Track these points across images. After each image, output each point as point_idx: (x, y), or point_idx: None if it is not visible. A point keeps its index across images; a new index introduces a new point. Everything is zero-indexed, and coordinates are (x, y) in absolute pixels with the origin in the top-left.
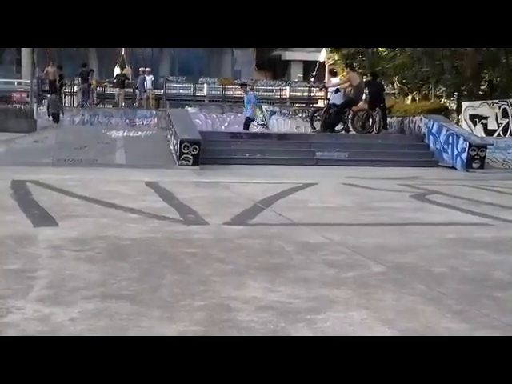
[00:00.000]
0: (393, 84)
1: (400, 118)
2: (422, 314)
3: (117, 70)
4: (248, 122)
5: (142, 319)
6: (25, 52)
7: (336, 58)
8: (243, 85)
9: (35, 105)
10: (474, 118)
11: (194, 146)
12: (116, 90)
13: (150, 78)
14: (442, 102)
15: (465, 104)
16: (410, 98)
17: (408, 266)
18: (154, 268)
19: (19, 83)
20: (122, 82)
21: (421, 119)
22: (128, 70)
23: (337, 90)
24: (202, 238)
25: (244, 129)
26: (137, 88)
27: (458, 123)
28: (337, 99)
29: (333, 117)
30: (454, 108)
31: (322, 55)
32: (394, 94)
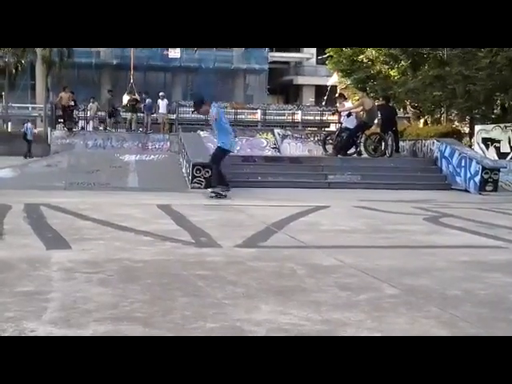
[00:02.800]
0: (405, 108)
1: (412, 142)
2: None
3: (125, 98)
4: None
5: None
6: (39, 77)
7: (348, 82)
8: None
9: (49, 129)
10: (487, 142)
11: (206, 169)
12: (128, 115)
13: (163, 103)
14: (454, 125)
15: (477, 127)
16: (422, 121)
17: (422, 288)
18: (166, 290)
19: (33, 108)
20: (133, 107)
21: (433, 143)
22: (137, 96)
23: (349, 114)
24: (214, 260)
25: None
26: (142, 112)
27: (470, 147)
28: (349, 123)
29: (345, 140)
30: (467, 131)
31: (334, 79)
32: (407, 117)
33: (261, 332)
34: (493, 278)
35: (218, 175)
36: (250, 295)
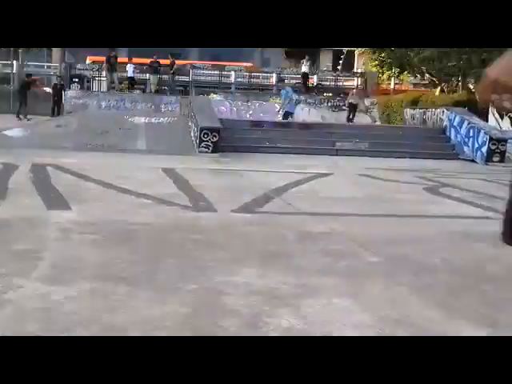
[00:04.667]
0: (422, 75)
1: (422, 110)
2: (405, 304)
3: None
4: (287, 115)
5: (133, 300)
6: None
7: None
8: (281, 80)
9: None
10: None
11: (214, 133)
12: (151, 77)
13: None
14: (471, 94)
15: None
16: (438, 89)
17: (402, 257)
18: (155, 252)
19: (49, 67)
20: (155, 69)
21: (443, 112)
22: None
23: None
24: (208, 224)
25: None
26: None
27: (487, 116)
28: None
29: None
30: None
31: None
32: (424, 84)
33: (237, 294)
34: (475, 248)
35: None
36: (235, 259)
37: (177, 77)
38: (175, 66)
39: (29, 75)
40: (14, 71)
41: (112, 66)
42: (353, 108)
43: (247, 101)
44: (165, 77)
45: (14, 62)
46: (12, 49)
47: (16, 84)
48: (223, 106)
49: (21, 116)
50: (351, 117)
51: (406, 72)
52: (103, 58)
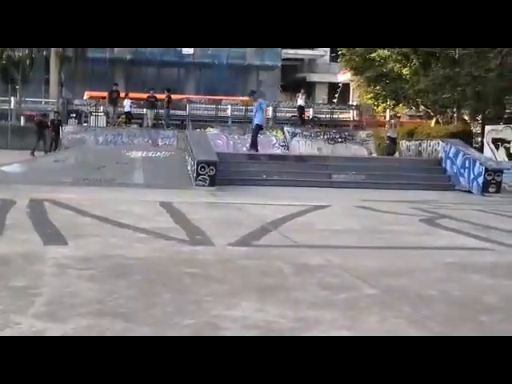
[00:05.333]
0: (417, 107)
1: (418, 142)
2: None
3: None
4: (257, 129)
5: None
6: (53, 71)
7: (361, 80)
8: (252, 92)
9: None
10: (497, 142)
11: (211, 167)
12: (148, 112)
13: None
14: (466, 125)
15: (487, 128)
16: (433, 120)
17: (399, 289)
18: (152, 287)
19: (46, 102)
20: (152, 103)
21: (438, 143)
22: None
23: None
24: (205, 258)
25: (253, 137)
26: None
27: (482, 147)
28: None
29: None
30: (479, 131)
31: (346, 77)
32: (419, 116)
33: (234, 328)
34: (472, 280)
35: (254, 142)
36: (233, 292)
37: (173, 111)
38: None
39: (44, 115)
40: (12, 107)
41: (114, 101)
42: (393, 142)
43: (244, 134)
44: (162, 111)
45: (12, 98)
46: (9, 85)
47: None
48: (220, 140)
49: (35, 153)
50: (392, 152)
51: (401, 104)
52: (100, 94)
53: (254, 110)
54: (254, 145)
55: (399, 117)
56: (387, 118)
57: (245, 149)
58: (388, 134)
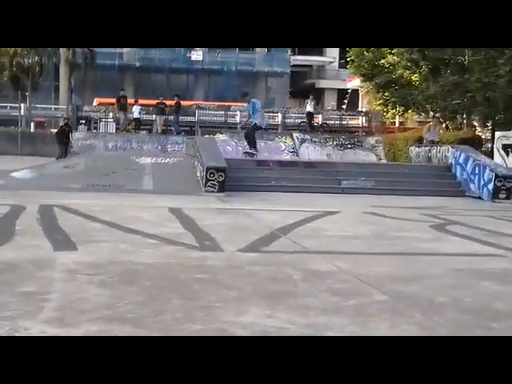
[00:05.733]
0: (427, 113)
1: (428, 148)
2: None
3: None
4: (254, 128)
5: None
6: (62, 78)
7: (370, 86)
8: (245, 94)
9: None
10: (507, 148)
11: (220, 173)
12: (157, 118)
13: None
14: (476, 131)
15: (497, 134)
16: (443, 126)
17: (410, 295)
18: (162, 293)
19: (56, 109)
20: (162, 110)
21: (448, 149)
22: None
23: None
24: (214, 264)
25: (251, 136)
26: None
27: (492, 153)
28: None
29: None
30: (489, 137)
31: (355, 83)
32: (428, 122)
33: (244, 334)
34: (483, 287)
35: (252, 141)
36: (242, 299)
37: (183, 117)
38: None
39: (67, 119)
40: (22, 114)
41: (123, 106)
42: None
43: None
44: (171, 118)
45: (22, 104)
46: (20, 92)
47: (24, 126)
48: (229, 146)
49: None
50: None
51: (410, 110)
52: (110, 100)
53: (249, 111)
54: (252, 144)
55: (438, 117)
56: (428, 123)
57: (244, 153)
58: (427, 137)
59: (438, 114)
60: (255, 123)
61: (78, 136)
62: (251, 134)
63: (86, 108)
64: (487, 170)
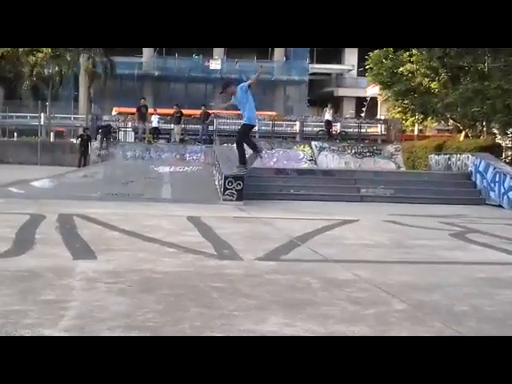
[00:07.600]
0: (446, 120)
1: (447, 156)
2: None
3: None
4: (247, 130)
5: None
6: (82, 88)
7: (389, 94)
8: (226, 85)
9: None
10: None
11: (238, 181)
12: (175, 127)
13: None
14: (495, 138)
15: None
16: (463, 134)
17: (430, 304)
18: (180, 301)
19: (75, 119)
20: (178, 118)
21: (468, 157)
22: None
23: None
24: (233, 272)
25: (247, 140)
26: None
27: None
28: None
29: None
30: (509, 145)
31: (374, 91)
32: (447, 130)
33: None
34: (504, 295)
35: (251, 144)
36: (261, 307)
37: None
38: (210, 117)
39: (86, 129)
40: (42, 123)
41: (144, 116)
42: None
43: (271, 149)
44: (192, 126)
45: (42, 114)
46: (40, 101)
47: (44, 136)
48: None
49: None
50: None
51: (429, 118)
52: (129, 109)
53: (242, 103)
54: (253, 147)
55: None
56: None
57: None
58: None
59: (457, 122)
60: (244, 124)
61: (98, 145)
62: (246, 137)
63: (105, 117)
64: (508, 178)
